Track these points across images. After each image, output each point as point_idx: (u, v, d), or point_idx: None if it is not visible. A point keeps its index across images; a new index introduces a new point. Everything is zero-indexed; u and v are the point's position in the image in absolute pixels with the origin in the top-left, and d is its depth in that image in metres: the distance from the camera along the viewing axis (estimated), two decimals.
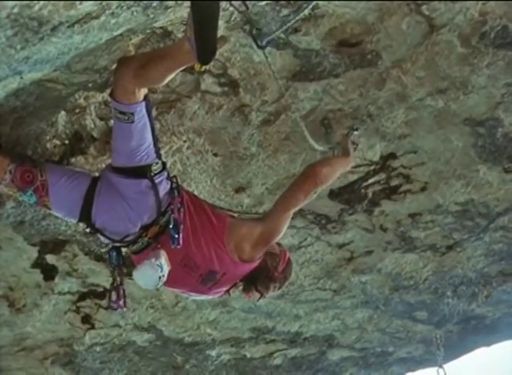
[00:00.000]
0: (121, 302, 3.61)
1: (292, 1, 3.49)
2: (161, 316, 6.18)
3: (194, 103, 4.13)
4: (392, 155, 4.92)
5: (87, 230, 3.55)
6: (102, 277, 5.49)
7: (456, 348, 7.92)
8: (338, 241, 5.72)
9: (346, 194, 5.19)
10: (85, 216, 3.45)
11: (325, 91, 4.16)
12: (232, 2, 3.12)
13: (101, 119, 4.03)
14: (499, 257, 6.32)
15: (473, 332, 7.72)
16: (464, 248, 6.09)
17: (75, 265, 5.31)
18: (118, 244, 3.56)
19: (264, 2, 3.42)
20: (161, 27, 3.40)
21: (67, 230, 4.89)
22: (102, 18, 2.61)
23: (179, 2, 2.98)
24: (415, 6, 3.69)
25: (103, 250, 5.17)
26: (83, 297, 5.72)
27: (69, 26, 2.49)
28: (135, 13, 2.77)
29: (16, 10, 2.19)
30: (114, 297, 3.60)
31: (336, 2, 3.59)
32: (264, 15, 3.50)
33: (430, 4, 3.68)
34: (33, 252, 5.09)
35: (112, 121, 4.04)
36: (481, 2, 3.73)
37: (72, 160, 4.27)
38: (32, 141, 3.97)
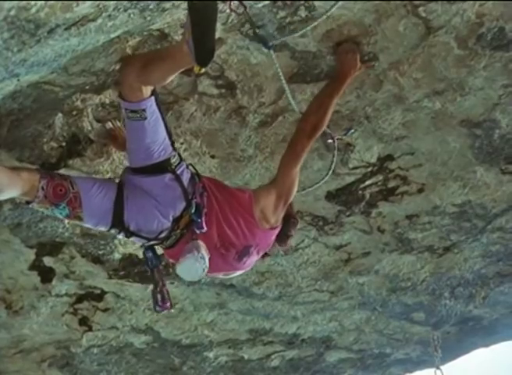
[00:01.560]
0: (167, 304, 3.65)
1: (288, 3, 3.49)
2: (158, 318, 6.18)
3: (191, 105, 4.13)
4: (390, 157, 4.92)
5: (120, 235, 3.57)
6: (99, 279, 5.50)
7: (453, 349, 7.92)
8: (335, 242, 5.73)
9: (344, 196, 5.19)
10: (117, 221, 3.47)
11: None
12: (231, 6, 3.12)
13: (98, 121, 4.03)
14: (496, 258, 6.32)
15: (470, 333, 7.73)
16: (462, 250, 6.10)
17: (72, 267, 5.31)
18: (152, 243, 3.60)
19: (261, 4, 3.42)
20: (158, 30, 3.40)
21: (64, 233, 4.89)
22: (99, 20, 2.61)
23: (175, 4, 2.98)
24: (412, 8, 3.69)
25: (100, 252, 5.18)
26: (80, 299, 5.72)
27: (65, 29, 2.49)
28: (132, 16, 2.77)
29: (12, 13, 2.19)
30: (159, 299, 3.63)
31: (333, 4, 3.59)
32: (261, 17, 3.50)
33: (427, 6, 3.68)
34: (31, 254, 5.09)
35: (109, 123, 4.06)
36: (477, 4, 3.73)
37: (70, 162, 4.27)
38: (29, 143, 3.98)
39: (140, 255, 5.26)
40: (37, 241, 4.94)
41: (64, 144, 4.11)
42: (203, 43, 2.84)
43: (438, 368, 7.58)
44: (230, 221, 3.54)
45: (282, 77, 3.65)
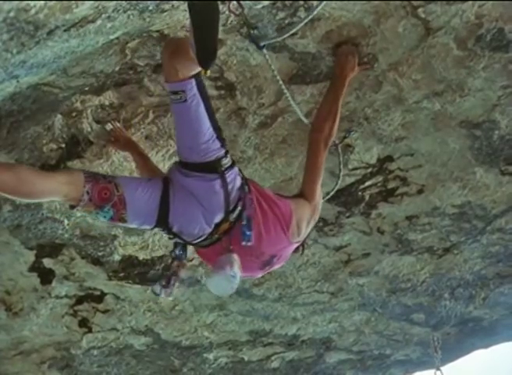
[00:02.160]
0: (168, 290, 3.62)
1: (288, 4, 3.49)
2: (158, 320, 6.18)
3: None
4: (389, 158, 4.92)
5: (164, 233, 3.56)
6: (99, 281, 5.49)
7: (453, 350, 7.91)
8: (335, 243, 5.72)
9: (343, 197, 5.19)
10: (162, 221, 3.45)
11: (321, 94, 4.15)
12: (230, 7, 3.12)
13: (98, 122, 4.04)
14: (496, 259, 6.32)
15: (470, 334, 7.72)
16: (461, 251, 6.09)
17: (72, 268, 5.30)
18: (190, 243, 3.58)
19: (261, 5, 3.42)
20: (157, 31, 3.41)
21: (64, 234, 4.89)
22: (98, 22, 2.61)
23: (175, 5, 2.99)
24: (411, 9, 3.69)
25: (100, 254, 5.17)
26: (80, 300, 5.71)
27: (65, 30, 2.50)
28: (131, 17, 2.78)
29: (12, 14, 2.19)
30: (164, 282, 3.62)
31: (333, 5, 3.59)
32: (260, 18, 3.51)
33: (426, 7, 3.68)
34: (30, 256, 5.09)
35: (109, 125, 4.06)
36: (477, 5, 3.73)
37: (69, 164, 4.27)
38: (28, 144, 3.98)
39: (140, 257, 5.29)
40: (36, 242, 4.94)
41: (63, 145, 4.11)
42: (204, 45, 2.82)
43: (438, 369, 7.56)
44: (269, 231, 3.52)
45: (277, 77, 3.63)
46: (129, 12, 2.70)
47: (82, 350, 6.21)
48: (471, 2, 3.71)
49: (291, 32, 3.39)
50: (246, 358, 7.11)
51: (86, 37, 2.71)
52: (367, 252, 5.92)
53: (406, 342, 7.63)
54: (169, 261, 3.70)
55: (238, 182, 3.46)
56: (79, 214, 4.71)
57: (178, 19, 3.30)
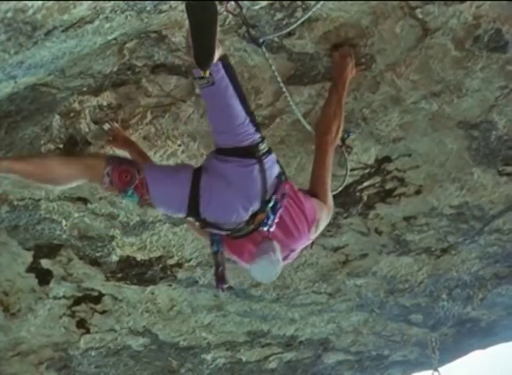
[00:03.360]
0: (224, 286, 3.64)
1: (285, 5, 3.49)
2: (156, 320, 6.18)
3: (189, 107, 4.13)
4: (387, 159, 4.92)
5: (197, 223, 3.55)
6: (97, 282, 5.49)
7: (451, 351, 7.92)
8: (333, 244, 5.73)
9: (341, 198, 5.18)
10: (193, 211, 3.43)
11: (319, 95, 4.16)
12: (228, 7, 3.12)
13: (96, 123, 4.03)
14: (493, 260, 6.33)
15: (468, 335, 7.73)
16: (459, 251, 6.10)
17: (70, 269, 5.30)
18: (224, 233, 3.54)
19: (259, 6, 3.42)
20: (155, 31, 3.41)
21: (62, 235, 4.89)
22: (96, 22, 2.61)
23: (172, 6, 2.99)
24: (409, 10, 3.70)
25: (98, 254, 5.17)
26: (78, 301, 5.71)
27: (63, 31, 2.50)
28: (129, 17, 2.78)
29: (9, 15, 2.19)
30: (219, 281, 3.63)
31: (331, 5, 3.60)
32: (258, 18, 3.51)
33: (424, 7, 3.69)
34: (28, 257, 5.09)
35: (107, 125, 4.06)
36: (474, 6, 3.73)
37: None
38: (26, 145, 3.98)
39: (138, 258, 5.30)
40: (34, 243, 4.94)
41: (61, 145, 4.11)
42: (201, 45, 2.83)
43: (436, 370, 7.58)
44: (297, 226, 3.53)
45: (277, 75, 3.63)
46: (126, 13, 2.70)
47: (80, 351, 6.20)
48: (468, 3, 3.71)
49: (291, 28, 3.38)
50: (244, 359, 7.11)
51: (84, 38, 2.71)
52: (364, 253, 5.92)
53: (404, 343, 7.64)
54: (213, 257, 3.65)
55: (276, 169, 3.45)
56: (76, 214, 4.71)
57: (176, 19, 3.30)
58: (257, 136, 3.34)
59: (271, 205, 3.40)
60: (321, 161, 3.80)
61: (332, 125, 3.82)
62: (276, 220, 3.42)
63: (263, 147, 3.36)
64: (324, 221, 3.74)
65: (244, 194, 3.37)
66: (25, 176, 3.40)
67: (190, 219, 3.58)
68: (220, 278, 3.61)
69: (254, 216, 3.42)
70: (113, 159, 3.45)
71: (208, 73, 2.91)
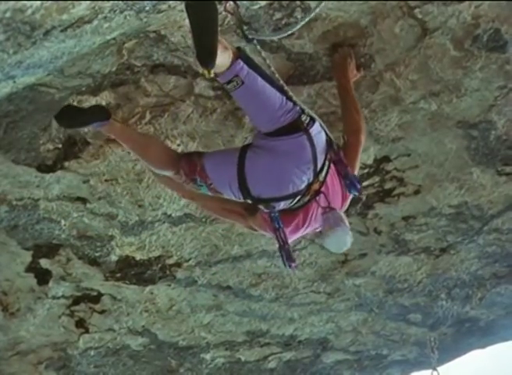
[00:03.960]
0: (293, 264, 3.70)
1: (284, 5, 3.49)
2: (155, 320, 6.18)
3: (188, 107, 4.13)
4: (386, 158, 4.92)
5: (260, 205, 3.62)
6: (96, 281, 5.49)
7: (450, 350, 7.92)
8: None
9: None
10: (245, 192, 3.52)
11: (318, 95, 4.16)
12: (226, 7, 3.12)
13: None
14: (492, 259, 6.33)
15: (467, 334, 7.73)
16: (458, 251, 6.10)
17: (69, 269, 5.30)
18: (283, 207, 3.59)
19: (258, 6, 3.42)
20: (154, 31, 3.41)
21: (61, 235, 4.89)
22: (95, 22, 2.61)
23: (172, 6, 2.99)
24: (408, 9, 3.70)
25: (97, 254, 5.17)
26: (77, 301, 5.71)
27: (61, 31, 2.49)
28: (128, 17, 2.77)
29: (8, 15, 2.19)
30: (285, 257, 3.68)
31: (330, 5, 3.60)
32: (257, 18, 3.51)
33: (423, 7, 3.69)
34: (27, 256, 5.08)
35: None
36: (473, 6, 3.74)
37: (66, 164, 4.27)
38: (25, 145, 3.98)
39: (137, 257, 5.29)
40: (33, 243, 4.94)
41: (60, 145, 4.11)
42: (201, 44, 2.83)
43: (435, 369, 7.58)
44: (336, 202, 3.65)
45: (274, 71, 3.63)
46: (125, 13, 2.70)
47: (79, 350, 6.20)
48: (467, 3, 3.71)
49: (287, 33, 3.37)
50: (243, 359, 7.11)
51: (82, 38, 2.71)
52: (364, 253, 5.92)
53: (403, 342, 7.64)
54: (276, 235, 3.70)
55: (323, 136, 3.50)
56: (75, 214, 4.71)
57: (175, 19, 3.30)
58: (297, 109, 3.40)
59: (324, 174, 3.50)
60: (354, 160, 3.84)
61: (361, 122, 3.91)
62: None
63: (305, 118, 3.42)
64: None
65: (296, 163, 3.43)
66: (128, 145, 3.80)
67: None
68: (288, 255, 3.67)
69: (309, 185, 3.49)
70: (185, 154, 3.75)
71: (212, 73, 2.90)
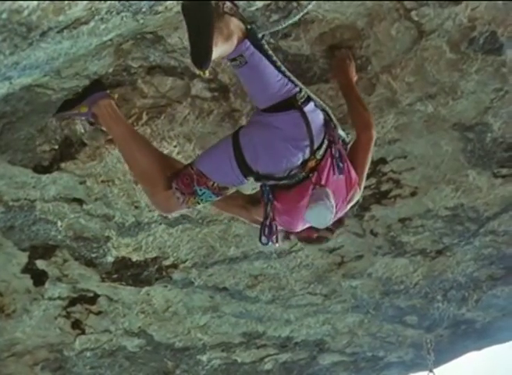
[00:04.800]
0: (273, 238, 3.68)
1: (281, 7, 3.50)
2: (151, 321, 6.17)
3: (185, 108, 4.13)
4: (383, 160, 4.93)
5: (257, 181, 3.63)
6: (92, 283, 5.48)
7: (446, 352, 7.93)
8: (328, 245, 5.73)
9: None
10: (246, 170, 3.52)
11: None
12: (224, 8, 3.12)
13: (91, 124, 4.03)
14: (488, 261, 6.34)
15: (463, 336, 7.74)
16: (454, 253, 6.10)
17: (65, 270, 5.29)
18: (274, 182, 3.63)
19: (255, 7, 3.43)
20: (151, 32, 3.41)
21: (57, 235, 4.88)
22: (92, 23, 2.61)
23: (168, 7, 2.99)
24: (404, 12, 3.71)
25: (93, 255, 5.17)
26: (73, 302, 5.70)
27: (58, 32, 2.49)
28: (124, 19, 2.77)
29: (4, 16, 2.19)
30: (267, 232, 3.67)
31: (327, 7, 3.60)
32: (254, 20, 3.51)
33: (419, 10, 3.70)
34: (23, 257, 5.07)
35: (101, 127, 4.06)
36: (470, 8, 3.74)
37: (62, 165, 4.27)
38: (22, 146, 3.97)
39: (134, 258, 5.29)
40: (29, 243, 4.93)
41: (57, 146, 4.10)
42: (195, 46, 2.85)
43: (431, 371, 7.58)
44: (340, 190, 3.63)
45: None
46: (122, 14, 2.70)
47: (75, 352, 6.19)
48: (464, 5, 3.72)
49: (287, 23, 3.37)
50: (239, 360, 7.11)
51: (79, 39, 2.71)
52: (360, 254, 5.93)
53: (399, 344, 7.64)
54: (264, 209, 3.71)
55: (320, 115, 3.52)
56: (72, 215, 4.71)
57: (172, 21, 3.30)
58: (296, 89, 3.42)
59: (321, 153, 3.50)
60: (364, 156, 3.85)
61: (369, 119, 3.90)
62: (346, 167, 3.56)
63: (301, 96, 3.43)
64: (354, 201, 3.82)
65: (289, 139, 3.44)
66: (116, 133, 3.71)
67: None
68: (270, 231, 3.66)
69: (305, 162, 3.50)
70: (173, 173, 3.60)
71: (207, 73, 2.92)
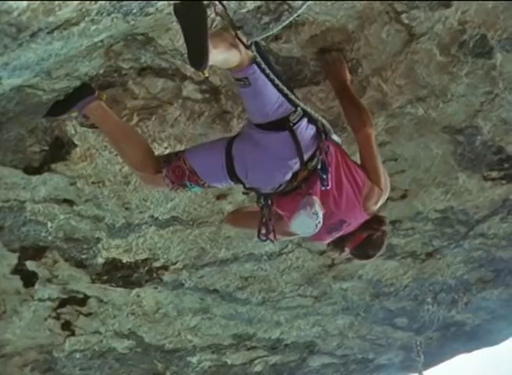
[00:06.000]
0: (270, 236, 3.75)
1: (272, 9, 3.50)
2: (141, 323, 6.16)
3: (175, 110, 4.12)
4: None
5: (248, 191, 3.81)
6: (82, 284, 5.47)
7: (436, 354, 7.95)
8: (319, 247, 5.73)
9: None
10: (234, 178, 3.65)
11: (305, 99, 4.16)
12: (216, 9, 3.12)
13: (82, 125, 4.02)
14: (478, 264, 6.36)
15: (453, 339, 7.76)
16: (444, 255, 6.12)
17: (55, 271, 5.28)
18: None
19: (246, 9, 3.43)
20: (142, 34, 3.40)
21: (47, 237, 4.87)
22: (82, 24, 2.61)
23: (159, 9, 2.99)
24: (395, 15, 3.71)
25: (83, 256, 5.16)
26: (63, 303, 5.69)
27: (48, 33, 2.49)
28: (115, 20, 2.77)
29: None
30: (264, 231, 3.75)
31: (317, 9, 3.61)
32: (245, 22, 3.51)
33: (410, 13, 3.70)
34: (13, 259, 5.06)
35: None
36: (460, 11, 3.76)
37: (53, 166, 4.26)
38: (12, 146, 3.96)
39: (124, 260, 5.29)
40: (19, 244, 4.91)
41: (47, 147, 4.09)
42: (192, 46, 2.88)
43: (420, 373, 7.61)
44: (341, 191, 3.63)
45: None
46: (112, 15, 2.70)
47: (65, 353, 6.18)
48: (454, 8, 3.73)
49: (277, 28, 3.37)
50: (229, 362, 7.11)
51: (69, 40, 2.71)
52: (350, 257, 5.92)
53: (389, 346, 7.66)
54: (260, 211, 3.80)
55: (311, 131, 3.55)
56: (62, 216, 4.70)
57: (163, 22, 3.30)
58: (292, 109, 3.46)
59: (319, 165, 3.52)
60: (368, 154, 3.83)
61: (362, 117, 3.87)
62: (330, 178, 3.55)
63: (295, 116, 3.48)
64: (374, 199, 3.74)
65: (279, 159, 3.53)
66: (107, 130, 3.78)
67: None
68: (267, 230, 3.73)
69: (296, 174, 3.57)
70: (165, 161, 3.74)
71: (206, 73, 2.97)
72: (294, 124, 3.47)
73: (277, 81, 3.34)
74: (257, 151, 3.54)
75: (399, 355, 7.94)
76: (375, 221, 3.82)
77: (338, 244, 3.92)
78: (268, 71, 3.29)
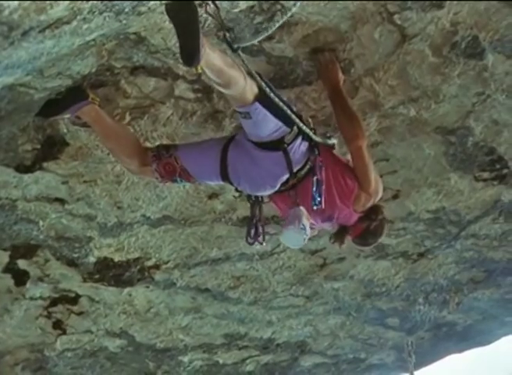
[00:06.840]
0: (259, 238, 3.81)
1: (265, 9, 3.50)
2: (133, 322, 6.16)
3: (168, 109, 4.12)
4: None
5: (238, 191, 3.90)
6: (74, 283, 5.46)
7: (427, 354, 7.97)
8: (311, 247, 5.74)
9: None
10: (226, 179, 3.76)
11: (298, 98, 4.17)
12: (207, 9, 3.12)
13: (74, 123, 4.02)
14: (470, 264, 6.37)
15: (444, 339, 7.78)
16: (436, 256, 6.13)
17: (46, 270, 5.27)
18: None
19: (238, 9, 3.43)
20: (134, 33, 3.40)
21: (39, 235, 4.86)
22: (74, 23, 2.60)
23: (151, 8, 2.99)
24: (387, 15, 3.72)
25: (75, 255, 5.15)
26: (54, 302, 5.67)
27: (40, 31, 2.48)
28: (107, 19, 2.77)
29: None
30: (252, 232, 3.80)
31: (310, 9, 3.61)
32: (238, 22, 3.51)
33: (402, 13, 3.71)
34: (5, 257, 5.04)
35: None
36: (452, 12, 3.76)
37: (45, 165, 4.25)
38: (3, 145, 3.95)
39: (116, 259, 5.28)
40: (11, 243, 4.90)
41: (39, 146, 4.08)
42: (184, 43, 2.90)
43: (412, 373, 7.63)
44: (332, 193, 3.72)
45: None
46: (104, 14, 2.70)
47: (56, 352, 6.17)
48: (446, 9, 3.74)
49: (266, 34, 3.37)
50: (221, 362, 7.11)
51: (61, 39, 2.70)
52: (342, 256, 5.94)
53: (380, 346, 7.67)
54: (250, 208, 3.88)
55: (303, 147, 3.63)
56: (53, 215, 4.69)
57: (155, 21, 3.30)
58: (285, 130, 3.55)
59: (314, 187, 3.60)
60: (359, 165, 3.84)
61: (353, 129, 3.86)
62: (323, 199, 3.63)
63: (290, 137, 3.57)
64: (361, 203, 3.84)
65: (270, 176, 3.66)
66: (98, 130, 3.83)
67: None
68: (256, 232, 3.79)
69: (285, 183, 3.69)
70: (155, 155, 3.80)
71: (199, 68, 3.00)
72: (288, 144, 3.56)
73: (286, 109, 3.38)
74: (249, 165, 3.65)
75: (390, 354, 7.95)
76: (373, 212, 3.93)
77: (338, 236, 4.04)
78: (276, 102, 3.32)
